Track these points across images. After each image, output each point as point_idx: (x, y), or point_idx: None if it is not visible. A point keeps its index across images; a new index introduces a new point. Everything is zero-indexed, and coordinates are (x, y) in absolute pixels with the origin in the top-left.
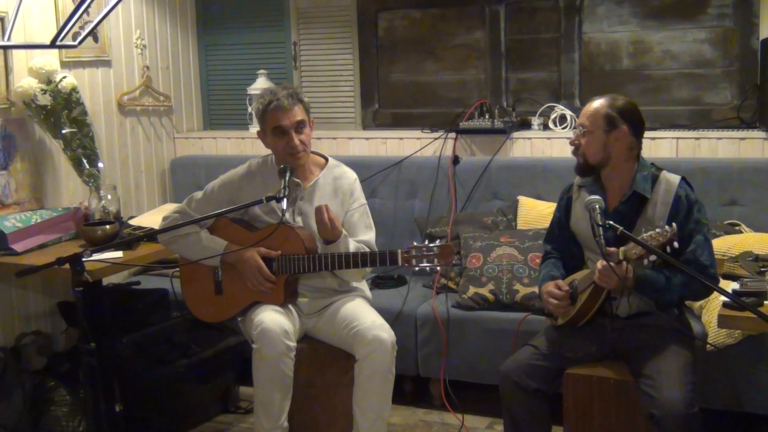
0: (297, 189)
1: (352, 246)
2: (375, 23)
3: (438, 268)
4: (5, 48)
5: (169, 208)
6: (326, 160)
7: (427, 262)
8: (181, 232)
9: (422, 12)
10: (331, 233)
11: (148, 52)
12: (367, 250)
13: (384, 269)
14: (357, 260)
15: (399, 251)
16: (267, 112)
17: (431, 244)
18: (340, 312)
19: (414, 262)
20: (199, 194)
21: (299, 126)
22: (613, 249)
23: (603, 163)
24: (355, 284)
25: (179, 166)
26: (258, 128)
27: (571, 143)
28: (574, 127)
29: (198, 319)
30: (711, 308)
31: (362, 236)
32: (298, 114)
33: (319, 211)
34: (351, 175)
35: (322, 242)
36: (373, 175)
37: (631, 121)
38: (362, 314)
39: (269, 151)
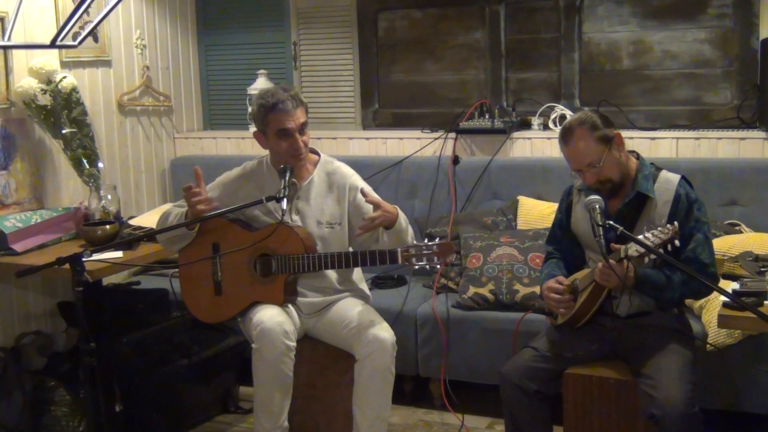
0: (293, 188)
1: (404, 218)
2: (375, 23)
3: (438, 266)
4: (5, 48)
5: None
6: (318, 156)
7: (427, 260)
8: (179, 231)
9: (422, 12)
10: (393, 217)
11: (148, 52)
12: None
13: (384, 269)
14: (357, 259)
15: (399, 250)
16: (270, 114)
17: (430, 242)
18: (340, 312)
19: (414, 260)
20: None
21: (302, 128)
22: (616, 246)
23: (624, 173)
24: (355, 281)
25: (179, 166)
26: (256, 130)
27: (592, 185)
28: (578, 171)
29: (198, 319)
30: (711, 308)
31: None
32: (301, 116)
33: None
34: (345, 171)
35: (383, 231)
36: (373, 175)
37: (611, 124)
38: (362, 314)
39: (266, 152)
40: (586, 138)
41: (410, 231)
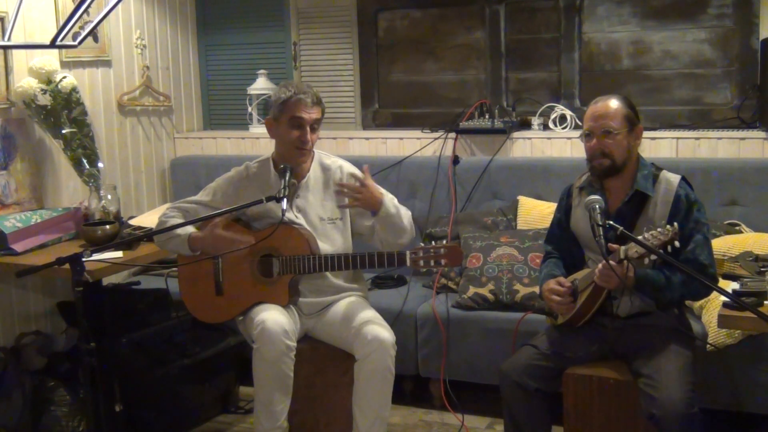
0: (292, 188)
1: (396, 203)
2: (375, 23)
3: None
4: (5, 48)
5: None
6: (313, 152)
7: (435, 264)
8: (178, 231)
9: (422, 12)
10: (375, 200)
11: (148, 52)
12: (407, 210)
13: (384, 269)
14: (365, 261)
15: (407, 252)
16: (290, 102)
17: (439, 245)
18: (340, 312)
19: (422, 263)
20: (195, 197)
21: (315, 124)
22: (614, 246)
23: (625, 163)
24: (355, 280)
25: (179, 166)
26: (270, 116)
27: (594, 148)
28: (589, 131)
29: (198, 319)
30: (711, 308)
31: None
32: (317, 114)
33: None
34: (343, 165)
35: (369, 215)
36: (373, 175)
37: (639, 119)
38: (362, 314)
39: (267, 153)
40: (619, 107)
41: (405, 214)
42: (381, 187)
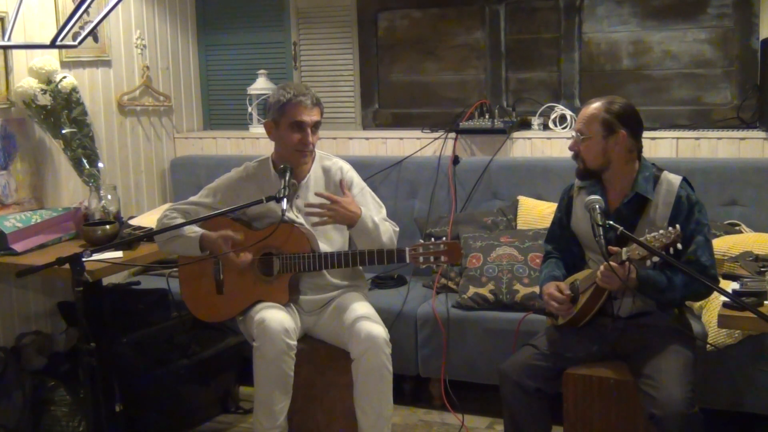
0: (292, 188)
1: (377, 219)
2: (375, 23)
3: (444, 265)
4: (5, 48)
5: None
6: (314, 152)
7: (434, 260)
8: (179, 232)
9: (422, 12)
10: (349, 216)
11: (148, 52)
12: (394, 226)
13: (384, 269)
14: (364, 258)
15: (407, 249)
16: (289, 105)
17: (438, 242)
18: (337, 309)
19: (421, 259)
20: (195, 198)
21: (315, 126)
22: (615, 248)
23: (603, 168)
24: (355, 276)
25: (179, 166)
26: (268, 119)
27: (571, 149)
28: (574, 131)
29: (198, 319)
30: (711, 308)
31: (377, 216)
32: (317, 115)
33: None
34: (343, 166)
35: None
36: (373, 175)
37: (629, 124)
38: (356, 310)
39: (267, 153)
40: (596, 111)
41: (386, 230)
42: (380, 190)
